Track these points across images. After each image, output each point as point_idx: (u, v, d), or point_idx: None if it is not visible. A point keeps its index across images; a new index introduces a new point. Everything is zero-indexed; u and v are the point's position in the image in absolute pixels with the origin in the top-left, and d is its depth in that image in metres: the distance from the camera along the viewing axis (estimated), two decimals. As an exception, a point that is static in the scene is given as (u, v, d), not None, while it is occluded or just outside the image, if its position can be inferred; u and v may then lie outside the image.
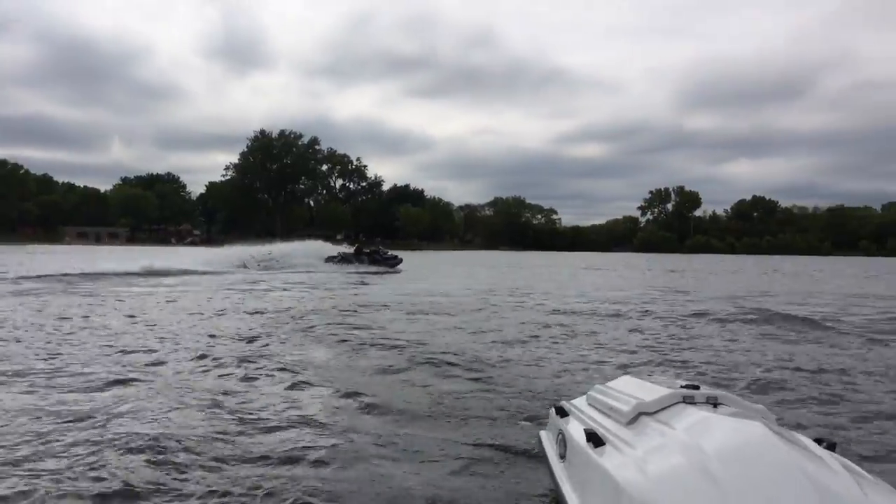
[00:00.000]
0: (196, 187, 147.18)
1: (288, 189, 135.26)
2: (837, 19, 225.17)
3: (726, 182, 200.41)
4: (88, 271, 23.53)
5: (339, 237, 62.00)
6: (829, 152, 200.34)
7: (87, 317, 11.41)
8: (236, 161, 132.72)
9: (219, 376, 6.70)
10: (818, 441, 2.70)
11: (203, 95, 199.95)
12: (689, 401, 2.93)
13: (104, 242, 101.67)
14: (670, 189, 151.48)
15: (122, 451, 4.22)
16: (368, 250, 34.54)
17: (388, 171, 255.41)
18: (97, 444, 4.35)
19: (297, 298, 16.14)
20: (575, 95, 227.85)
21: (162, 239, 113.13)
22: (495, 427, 5.05)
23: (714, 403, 2.90)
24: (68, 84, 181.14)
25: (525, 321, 12.07)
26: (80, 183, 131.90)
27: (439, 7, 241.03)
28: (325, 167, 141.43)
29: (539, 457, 3.80)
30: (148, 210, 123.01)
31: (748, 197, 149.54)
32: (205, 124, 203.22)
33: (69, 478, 3.80)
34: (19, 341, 8.56)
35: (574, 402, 3.73)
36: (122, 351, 7.96)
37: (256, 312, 12.59)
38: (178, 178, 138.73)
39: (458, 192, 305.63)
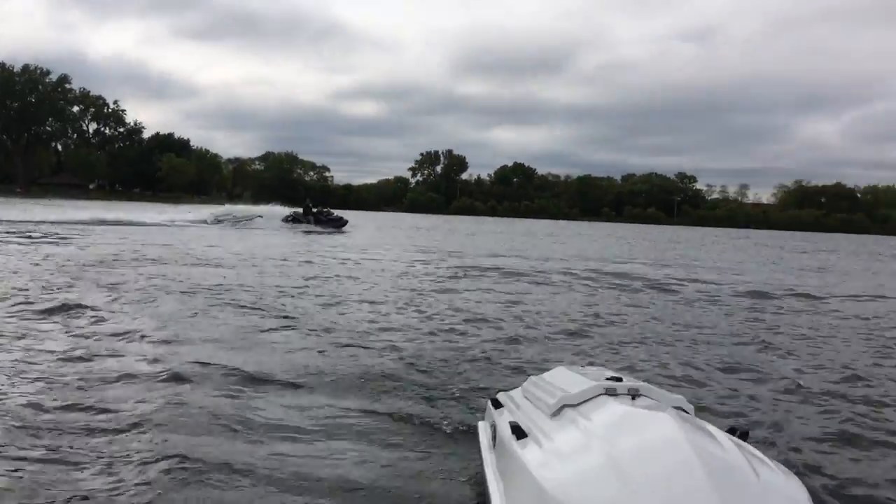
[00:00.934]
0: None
1: (32, 131, 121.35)
2: (596, 3, 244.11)
3: (492, 147, 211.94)
4: None
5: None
6: (582, 125, 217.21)
7: None
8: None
9: None
10: (732, 430, 2.86)
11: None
12: (610, 392, 3.02)
13: None
14: (440, 152, 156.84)
15: None
16: (316, 210, 38.58)
17: (149, 118, 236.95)
18: None
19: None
20: (353, 51, 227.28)
21: None
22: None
23: (634, 395, 3.02)
24: None
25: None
26: None
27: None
28: (76, 109, 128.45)
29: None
30: None
31: (510, 163, 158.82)
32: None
33: None
34: None
35: (511, 393, 3.88)
36: None
37: None
38: None
39: (227, 144, 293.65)
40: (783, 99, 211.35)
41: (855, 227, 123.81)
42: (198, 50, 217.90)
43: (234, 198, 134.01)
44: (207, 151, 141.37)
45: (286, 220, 38.08)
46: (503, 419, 3.27)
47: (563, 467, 2.39)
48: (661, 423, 2.45)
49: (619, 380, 3.18)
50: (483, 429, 3.71)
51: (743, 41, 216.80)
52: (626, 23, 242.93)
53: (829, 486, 4.07)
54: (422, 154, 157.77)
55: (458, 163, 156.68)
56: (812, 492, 2.56)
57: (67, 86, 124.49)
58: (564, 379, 3.46)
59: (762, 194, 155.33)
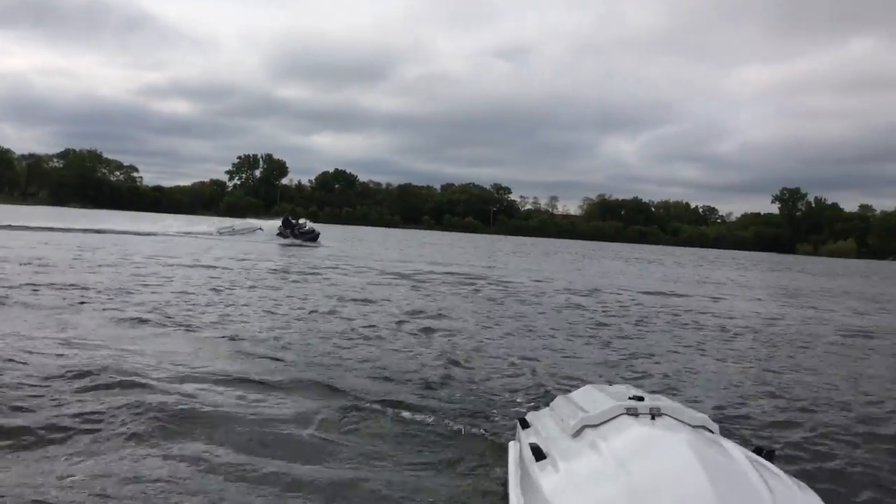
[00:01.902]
0: None
1: None
2: (416, 15, 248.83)
3: (312, 153, 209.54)
4: None
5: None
6: (402, 134, 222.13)
7: None
8: None
9: None
10: (758, 450, 2.81)
11: None
12: (631, 412, 2.99)
13: None
14: (259, 156, 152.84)
15: None
16: (295, 222, 37.43)
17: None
18: None
19: None
20: (165, 47, 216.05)
21: None
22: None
23: (655, 415, 2.97)
24: None
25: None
26: None
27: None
28: None
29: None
30: None
31: (331, 169, 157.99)
32: None
33: None
34: None
35: (539, 412, 3.84)
36: None
37: None
38: None
39: (19, 139, 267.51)
40: (589, 118, 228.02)
41: (650, 238, 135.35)
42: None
43: (27, 196, 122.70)
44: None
45: (279, 233, 37.58)
46: (527, 439, 3.27)
47: (574, 493, 2.40)
48: (678, 446, 2.45)
49: (641, 399, 3.17)
50: (512, 448, 3.68)
51: (553, 62, 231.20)
52: (446, 37, 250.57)
53: None
54: (239, 157, 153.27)
55: (277, 167, 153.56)
56: None
57: None
58: (589, 398, 3.45)
59: (570, 206, 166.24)
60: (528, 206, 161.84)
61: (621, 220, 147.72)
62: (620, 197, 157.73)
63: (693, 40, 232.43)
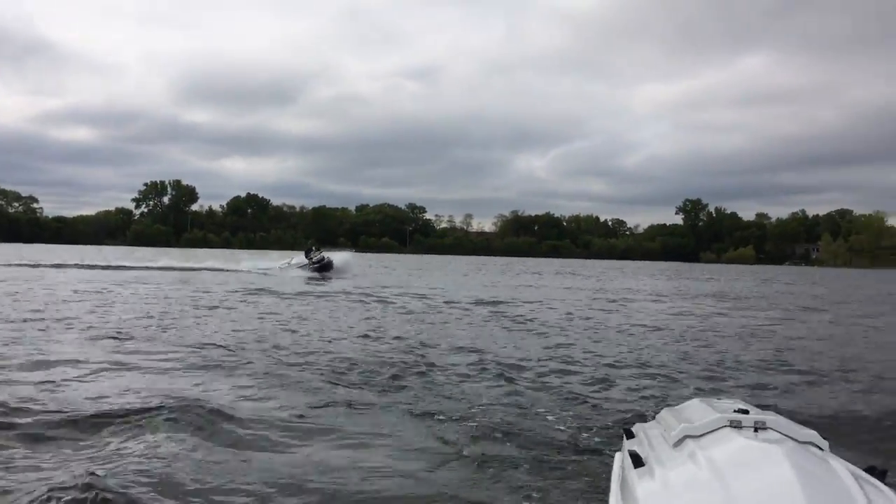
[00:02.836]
0: None
1: None
2: (326, 36, 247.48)
3: (223, 178, 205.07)
4: None
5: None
6: (315, 156, 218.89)
7: None
8: None
9: None
10: (871, 469, 2.65)
11: None
12: (735, 425, 2.96)
13: None
14: (167, 182, 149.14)
15: None
16: (316, 255, 36.78)
17: None
18: None
19: None
20: (63, 72, 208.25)
21: None
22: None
23: (759, 428, 2.93)
24: None
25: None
26: None
27: None
28: None
29: None
30: None
31: (243, 194, 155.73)
32: None
33: None
34: None
35: (645, 423, 3.87)
36: None
37: None
38: None
39: None
40: (500, 136, 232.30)
41: (563, 251, 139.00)
42: None
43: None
44: None
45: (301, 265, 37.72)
46: (631, 448, 3.29)
47: (667, 500, 2.42)
48: (777, 459, 2.41)
49: (746, 412, 3.14)
50: (616, 458, 3.69)
51: (463, 82, 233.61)
52: (356, 58, 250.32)
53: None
54: (146, 184, 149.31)
55: (187, 193, 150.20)
56: None
57: None
58: (694, 410, 3.44)
59: (485, 223, 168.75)
60: (444, 225, 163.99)
61: (534, 236, 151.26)
62: (533, 212, 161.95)
63: (597, 60, 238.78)
